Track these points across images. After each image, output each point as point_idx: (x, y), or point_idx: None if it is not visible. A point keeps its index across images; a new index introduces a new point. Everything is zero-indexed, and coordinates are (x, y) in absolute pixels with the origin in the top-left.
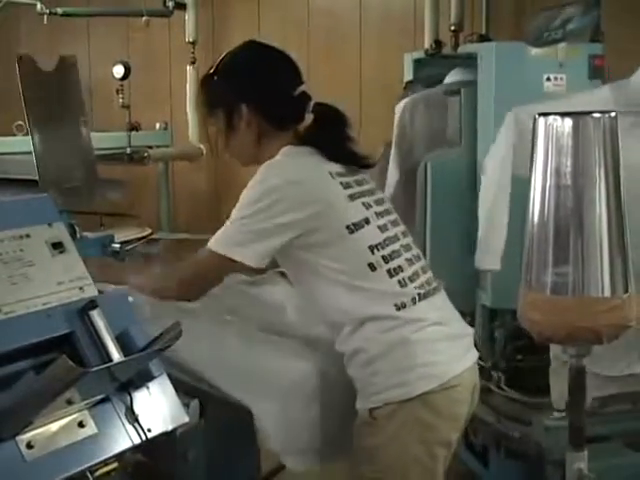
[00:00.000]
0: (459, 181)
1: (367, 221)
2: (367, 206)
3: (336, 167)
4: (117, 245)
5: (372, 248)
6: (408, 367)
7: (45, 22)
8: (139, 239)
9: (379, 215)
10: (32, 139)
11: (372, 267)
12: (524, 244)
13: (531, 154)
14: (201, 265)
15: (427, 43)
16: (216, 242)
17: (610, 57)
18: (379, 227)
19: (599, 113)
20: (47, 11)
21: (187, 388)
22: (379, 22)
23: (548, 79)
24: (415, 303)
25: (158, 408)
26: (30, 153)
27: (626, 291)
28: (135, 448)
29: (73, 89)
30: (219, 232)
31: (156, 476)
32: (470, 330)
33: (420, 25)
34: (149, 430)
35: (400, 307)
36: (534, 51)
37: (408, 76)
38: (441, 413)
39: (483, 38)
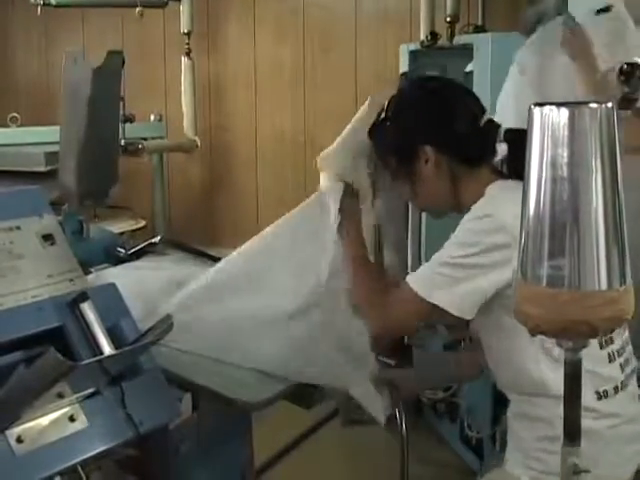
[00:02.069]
0: None
1: None
2: None
3: None
4: (122, 250)
5: None
6: (587, 461)
7: (39, 13)
8: (133, 231)
9: None
10: (61, 137)
11: None
12: (520, 237)
13: (526, 145)
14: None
15: (423, 34)
16: (422, 284)
17: None
18: None
19: (595, 103)
20: (41, 2)
21: (180, 381)
22: (375, 13)
23: None
24: (617, 392)
25: (150, 402)
26: (23, 145)
27: (623, 283)
28: (127, 442)
29: (115, 87)
30: (421, 270)
31: (148, 470)
32: None
33: (416, 16)
34: (141, 424)
35: (602, 396)
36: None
37: (404, 68)
38: None
39: (479, 29)
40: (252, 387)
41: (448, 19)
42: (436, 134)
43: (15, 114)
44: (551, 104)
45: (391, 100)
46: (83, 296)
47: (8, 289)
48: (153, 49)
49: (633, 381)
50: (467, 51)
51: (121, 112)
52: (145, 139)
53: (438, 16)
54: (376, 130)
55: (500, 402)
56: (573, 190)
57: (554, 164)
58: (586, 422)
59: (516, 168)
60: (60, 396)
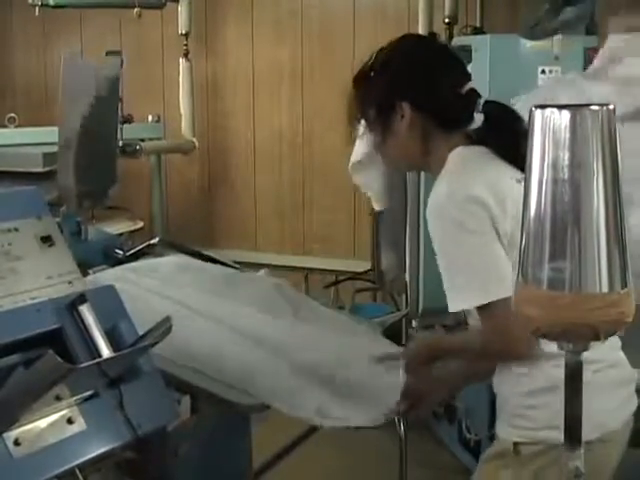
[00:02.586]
0: None
1: None
2: None
3: (516, 171)
4: (120, 251)
5: None
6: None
7: (37, 13)
8: (131, 232)
9: None
10: (59, 137)
11: None
12: (521, 239)
13: (527, 147)
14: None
15: None
16: (472, 294)
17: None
18: None
19: (597, 106)
20: (39, 2)
21: (179, 384)
22: (373, 14)
23: (543, 72)
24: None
25: (149, 404)
26: (21, 145)
27: (624, 286)
28: (125, 445)
29: (113, 88)
30: (457, 286)
31: (147, 473)
32: (635, 374)
33: (414, 17)
34: (139, 426)
35: None
36: (529, 44)
37: None
38: (590, 468)
39: (477, 31)
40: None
41: (446, 20)
42: (416, 92)
43: (13, 114)
44: (552, 106)
45: (380, 51)
46: (82, 298)
47: (6, 291)
48: (151, 50)
49: None
50: (465, 53)
51: (119, 113)
52: (143, 140)
53: (436, 17)
54: (360, 79)
55: None
56: (574, 192)
57: (555, 166)
58: None
59: (485, 138)
60: (58, 398)
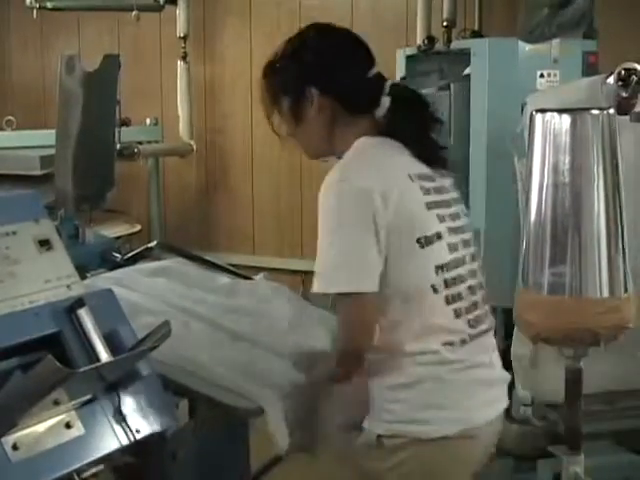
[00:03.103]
0: None
1: (439, 236)
2: (441, 219)
3: (416, 167)
4: (118, 255)
5: (438, 268)
6: (433, 406)
7: (34, 16)
8: (129, 235)
9: (451, 231)
10: (57, 140)
11: (434, 289)
12: (521, 243)
13: (528, 151)
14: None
15: (419, 39)
16: (329, 281)
17: (602, 53)
18: (449, 245)
19: (597, 110)
20: (37, 5)
21: (176, 388)
22: (371, 17)
23: (542, 75)
24: (463, 345)
25: (147, 408)
26: (18, 148)
27: (625, 291)
28: (123, 449)
29: (111, 90)
30: (326, 271)
31: (144, 477)
32: (507, 377)
33: (412, 21)
34: (137, 431)
35: (447, 344)
36: (528, 47)
37: (400, 72)
38: (451, 463)
39: (476, 34)
40: (250, 394)
41: (445, 24)
42: (322, 77)
43: (10, 117)
44: (552, 110)
45: (287, 41)
46: (80, 302)
47: (4, 295)
48: (149, 53)
49: (487, 336)
50: (464, 56)
51: (117, 116)
52: (141, 143)
53: (435, 21)
54: (269, 68)
55: None
56: (575, 196)
57: (556, 170)
58: (429, 368)
59: (392, 126)
60: (56, 403)
